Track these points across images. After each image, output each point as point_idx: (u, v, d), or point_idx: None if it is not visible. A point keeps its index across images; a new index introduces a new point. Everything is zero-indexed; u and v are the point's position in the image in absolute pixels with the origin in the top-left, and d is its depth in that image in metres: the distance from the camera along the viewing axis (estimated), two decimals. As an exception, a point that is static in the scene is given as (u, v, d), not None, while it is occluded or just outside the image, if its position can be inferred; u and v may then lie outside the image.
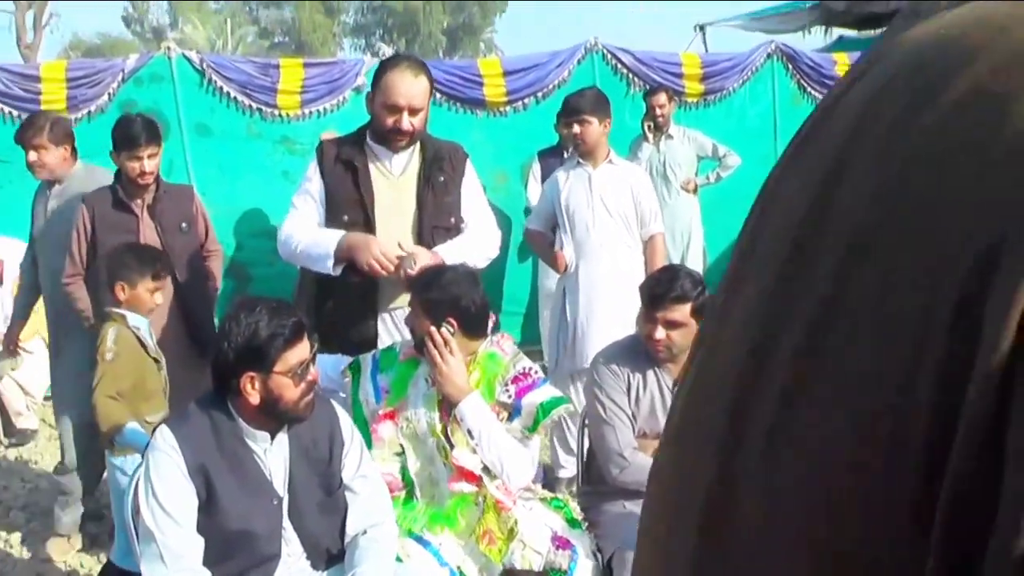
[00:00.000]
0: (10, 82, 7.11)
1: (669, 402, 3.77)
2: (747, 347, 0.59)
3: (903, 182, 0.51)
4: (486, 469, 3.43)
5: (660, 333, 3.65)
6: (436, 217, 4.07)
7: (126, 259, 4.33)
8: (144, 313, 4.34)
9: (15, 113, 7.15)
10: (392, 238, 3.93)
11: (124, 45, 39.20)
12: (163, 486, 2.88)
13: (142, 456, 3.15)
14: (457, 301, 3.50)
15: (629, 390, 3.79)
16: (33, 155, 5.11)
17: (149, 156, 4.82)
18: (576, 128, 5.43)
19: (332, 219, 4.03)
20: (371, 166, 4.05)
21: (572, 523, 3.54)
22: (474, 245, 4.13)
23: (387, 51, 8.19)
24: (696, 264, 8.00)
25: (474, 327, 3.56)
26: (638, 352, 3.84)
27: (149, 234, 4.90)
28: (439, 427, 3.48)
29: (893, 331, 0.49)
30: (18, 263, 6.96)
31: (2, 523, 5.57)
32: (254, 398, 2.94)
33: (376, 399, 3.63)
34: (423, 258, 3.84)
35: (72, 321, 5.00)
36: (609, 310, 5.35)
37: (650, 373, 3.78)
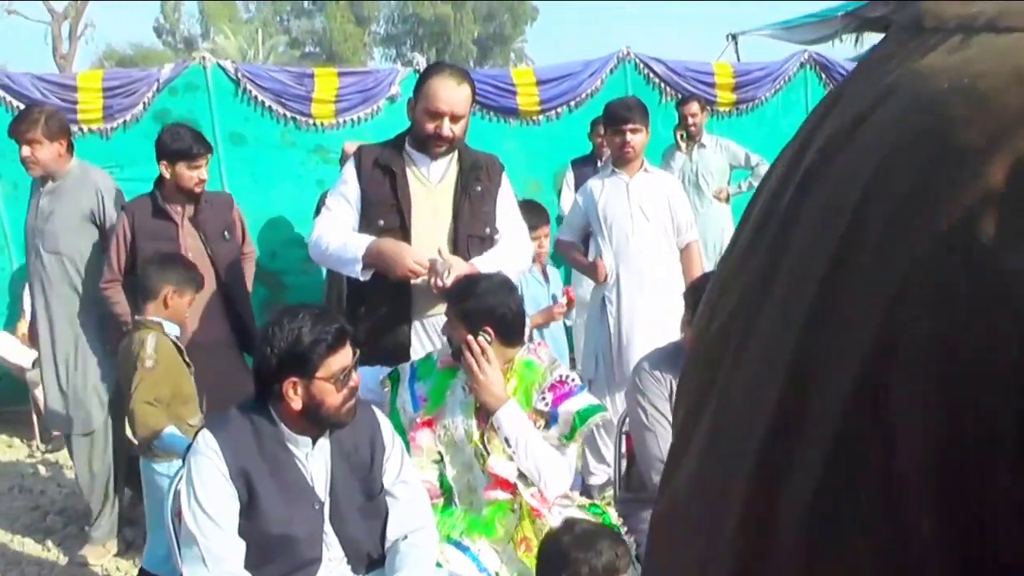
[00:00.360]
0: (47, 91, 7.19)
1: None
2: (776, 392, 0.59)
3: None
4: (522, 476, 3.43)
5: None
6: (471, 226, 4.08)
7: (177, 268, 4.47)
8: (178, 322, 4.46)
9: (52, 122, 7.21)
10: (427, 245, 3.94)
11: (156, 55, 39.47)
12: (205, 489, 2.90)
13: (183, 460, 3.17)
14: (493, 310, 3.52)
15: (671, 397, 3.78)
16: (27, 150, 5.04)
17: (204, 165, 5.00)
18: (628, 136, 5.41)
19: (367, 223, 4.03)
20: (409, 172, 4.06)
21: (612, 525, 3.53)
22: (508, 257, 4.13)
23: (421, 61, 8.19)
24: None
25: (511, 335, 3.58)
26: (681, 359, 3.84)
27: (190, 242, 4.97)
28: (476, 435, 3.49)
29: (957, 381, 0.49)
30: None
31: (39, 527, 5.63)
32: (296, 403, 2.96)
33: (414, 407, 3.65)
34: (459, 268, 3.85)
35: (92, 327, 5.11)
36: (651, 317, 5.36)
37: None
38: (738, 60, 10.69)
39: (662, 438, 3.70)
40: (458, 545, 3.38)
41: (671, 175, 5.90)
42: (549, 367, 3.62)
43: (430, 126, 3.95)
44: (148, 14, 70.22)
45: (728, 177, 8.24)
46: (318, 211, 7.01)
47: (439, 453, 3.56)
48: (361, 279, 3.98)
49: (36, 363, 6.90)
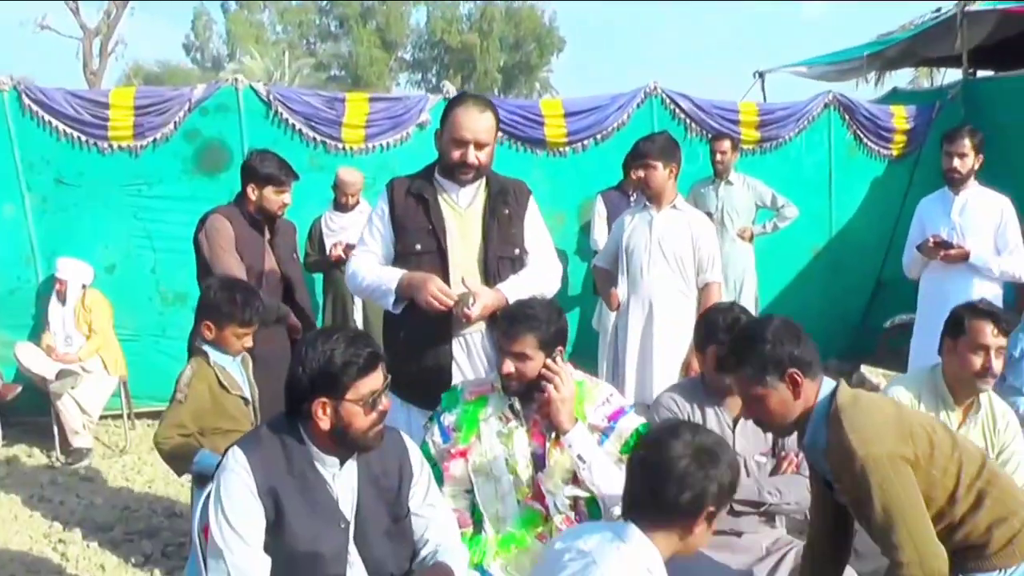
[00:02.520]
0: (80, 107, 7.31)
1: (731, 440, 3.87)
2: None
3: None
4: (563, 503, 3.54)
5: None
6: (501, 248, 4.21)
7: (219, 300, 4.34)
8: (232, 353, 4.40)
9: (84, 138, 7.33)
10: (461, 267, 4.10)
11: (183, 73, 39.80)
12: (233, 505, 2.94)
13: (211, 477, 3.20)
14: (564, 330, 3.68)
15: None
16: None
17: (289, 191, 5.35)
18: (641, 172, 5.55)
19: (405, 249, 4.19)
20: (440, 199, 4.20)
21: None
22: (537, 278, 4.26)
23: (451, 88, 8.27)
24: (750, 302, 8.06)
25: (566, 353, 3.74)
26: (697, 391, 3.99)
27: (270, 262, 5.29)
28: (520, 462, 3.58)
29: None
30: (81, 284, 7.12)
31: (58, 538, 5.67)
32: (324, 423, 2.99)
33: (444, 439, 3.72)
34: (485, 297, 3.97)
35: None
36: (652, 352, 5.58)
37: (710, 411, 3.91)
38: (764, 97, 10.75)
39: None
40: (481, 571, 3.44)
41: (702, 214, 5.93)
42: (594, 386, 3.78)
43: (456, 154, 4.11)
44: (178, 32, 70.78)
45: (753, 216, 8.29)
46: (309, 236, 7.30)
47: (471, 482, 3.63)
48: (394, 312, 4.14)
49: (60, 374, 6.99)
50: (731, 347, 3.23)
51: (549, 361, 3.58)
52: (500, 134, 8.05)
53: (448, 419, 3.75)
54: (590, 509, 3.62)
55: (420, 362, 4.11)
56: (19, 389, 7.28)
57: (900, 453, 2.92)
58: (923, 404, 4.03)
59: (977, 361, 3.93)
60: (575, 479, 3.58)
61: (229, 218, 5.18)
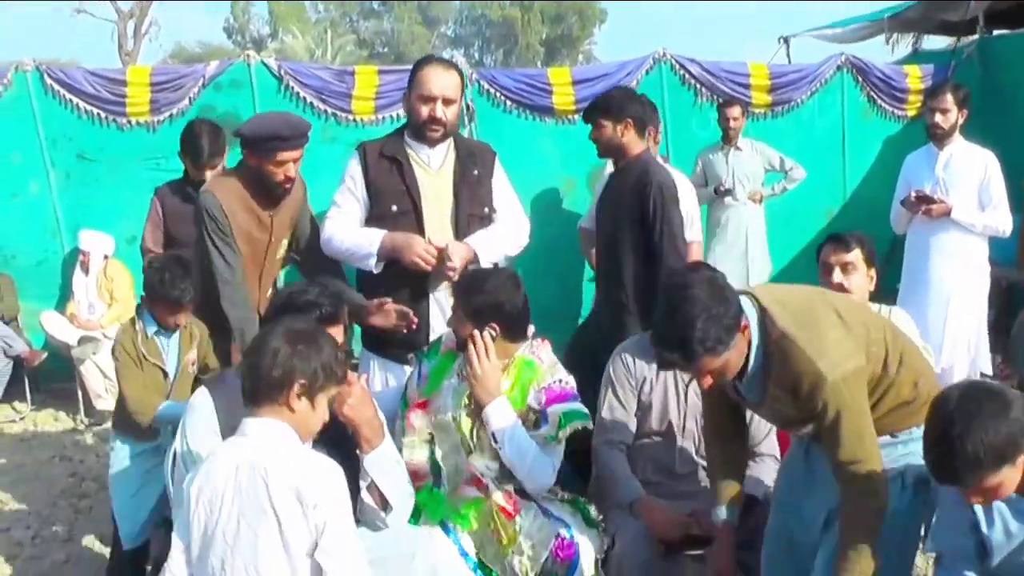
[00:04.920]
0: (99, 86, 7.57)
1: (682, 396, 4.00)
2: None
3: None
4: (500, 475, 3.62)
5: None
6: (471, 207, 4.37)
7: (150, 277, 4.41)
8: (165, 328, 4.50)
9: (103, 115, 7.60)
10: (434, 226, 4.25)
11: (224, 54, 40.02)
12: (197, 442, 3.14)
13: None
14: (501, 306, 3.67)
15: (643, 384, 4.02)
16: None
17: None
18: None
19: (380, 210, 4.31)
20: (412, 161, 4.33)
21: (588, 522, 3.71)
22: (505, 234, 4.44)
23: (461, 60, 8.37)
24: (761, 276, 8.10)
25: (515, 331, 3.75)
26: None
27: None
28: (466, 424, 3.66)
29: None
30: (103, 254, 7.40)
31: (75, 492, 6.03)
32: None
33: (418, 384, 3.87)
34: (458, 250, 4.14)
35: None
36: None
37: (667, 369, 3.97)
38: (789, 62, 10.64)
39: (611, 425, 3.98)
40: (443, 526, 3.57)
41: (679, 173, 5.86)
42: (549, 368, 3.76)
43: (424, 110, 4.24)
44: (220, 14, 71.21)
45: (762, 180, 8.33)
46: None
47: (430, 434, 3.74)
48: (375, 271, 4.26)
49: (81, 340, 7.29)
50: (682, 352, 2.89)
51: (475, 333, 3.63)
52: (508, 103, 8.31)
53: (426, 367, 3.89)
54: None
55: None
56: (44, 355, 7.63)
57: (858, 365, 2.97)
58: None
59: (827, 280, 4.10)
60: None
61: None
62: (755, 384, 3.09)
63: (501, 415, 3.58)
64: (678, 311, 2.86)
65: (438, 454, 3.71)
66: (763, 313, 3.02)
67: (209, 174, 5.26)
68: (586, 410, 3.75)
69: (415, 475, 3.63)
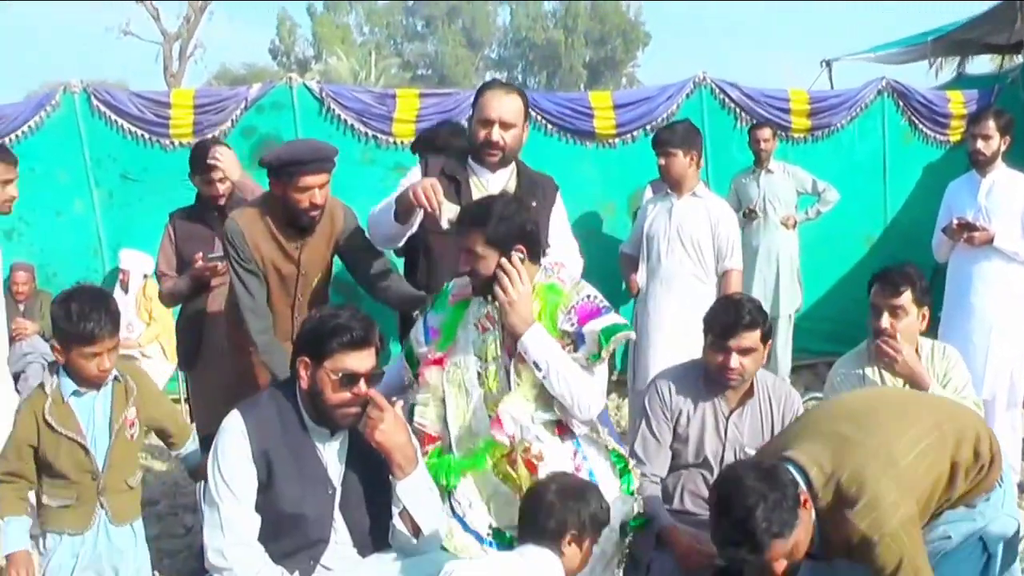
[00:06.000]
0: (143, 107, 7.69)
1: (721, 430, 3.95)
2: None
3: None
4: (539, 406, 3.46)
5: (735, 361, 3.80)
6: None
7: (55, 316, 3.52)
8: (88, 381, 3.56)
9: (147, 136, 7.71)
10: None
11: (268, 75, 40.52)
12: (228, 465, 3.15)
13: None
14: (523, 228, 3.52)
15: (679, 416, 3.97)
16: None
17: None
18: (662, 160, 5.67)
19: (432, 224, 4.17)
20: (471, 181, 4.30)
21: (627, 489, 3.59)
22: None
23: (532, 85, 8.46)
24: (793, 301, 8.05)
25: (536, 252, 3.59)
26: (696, 378, 4.01)
27: None
28: (492, 375, 3.53)
29: None
30: (142, 273, 7.48)
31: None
32: (304, 383, 3.19)
33: (425, 339, 3.72)
34: (447, 211, 3.97)
35: None
36: (668, 337, 5.64)
37: (705, 401, 3.96)
38: (831, 86, 10.61)
39: (644, 458, 3.93)
40: (447, 494, 3.48)
41: (722, 201, 6.01)
42: (573, 288, 3.58)
43: (482, 133, 4.22)
44: (265, 35, 72.04)
45: (795, 204, 8.27)
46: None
47: (444, 392, 3.59)
48: (397, 227, 4.15)
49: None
50: (750, 546, 2.85)
51: (503, 260, 3.45)
52: (549, 126, 8.34)
53: (433, 320, 3.73)
54: None
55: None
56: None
57: (907, 513, 2.95)
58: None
59: (876, 323, 4.08)
60: (544, 396, 3.46)
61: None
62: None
63: (540, 342, 3.41)
64: (733, 507, 2.83)
65: (450, 414, 3.57)
66: (806, 478, 2.99)
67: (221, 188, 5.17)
68: (625, 320, 3.58)
69: (428, 438, 3.56)
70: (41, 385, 3.57)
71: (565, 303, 3.51)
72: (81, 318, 3.41)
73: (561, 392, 3.40)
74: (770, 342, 4.04)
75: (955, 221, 6.05)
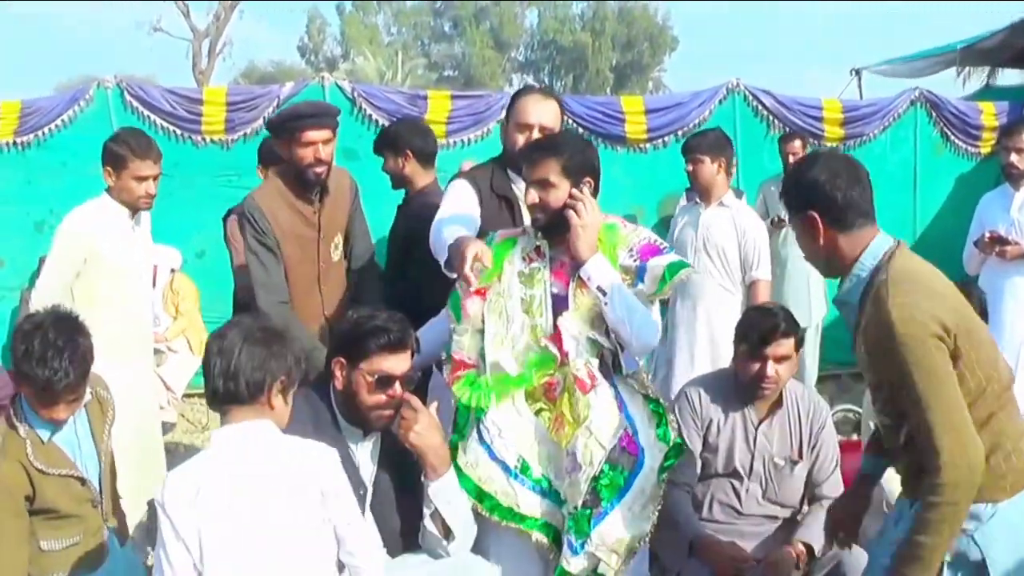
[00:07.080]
0: (176, 104, 7.74)
1: (751, 439, 3.94)
2: None
3: None
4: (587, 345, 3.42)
5: (771, 369, 3.81)
6: None
7: (16, 354, 3.11)
8: (53, 422, 3.25)
9: (179, 132, 7.74)
10: None
11: (296, 74, 40.60)
12: None
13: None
14: (593, 162, 3.55)
15: (709, 426, 3.97)
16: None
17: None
18: (690, 167, 5.64)
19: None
20: (522, 201, 4.09)
21: (662, 436, 3.48)
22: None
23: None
24: (820, 310, 7.98)
25: (599, 187, 3.59)
26: (727, 388, 4.02)
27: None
28: (535, 302, 3.49)
29: None
30: (170, 268, 7.52)
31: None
32: (338, 383, 3.21)
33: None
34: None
35: None
36: (695, 348, 5.63)
37: (735, 410, 3.97)
38: (860, 95, 10.56)
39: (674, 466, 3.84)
40: (480, 438, 3.43)
41: (750, 210, 5.98)
42: (632, 230, 3.61)
43: (520, 139, 4.04)
44: (294, 32, 72.33)
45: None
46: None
47: (483, 322, 3.56)
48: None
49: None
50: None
51: (574, 190, 3.45)
52: (580, 130, 8.31)
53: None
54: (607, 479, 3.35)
55: None
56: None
57: (937, 335, 2.62)
58: None
59: None
60: (598, 325, 3.45)
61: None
62: (850, 315, 2.89)
63: (603, 269, 3.41)
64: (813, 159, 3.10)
65: (488, 343, 3.50)
66: (892, 254, 2.81)
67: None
68: (686, 259, 3.59)
69: (462, 364, 3.52)
70: (14, 428, 3.22)
71: (626, 242, 3.52)
72: (40, 362, 3.04)
73: (620, 317, 3.39)
74: (801, 351, 4.03)
75: (987, 234, 6.03)
